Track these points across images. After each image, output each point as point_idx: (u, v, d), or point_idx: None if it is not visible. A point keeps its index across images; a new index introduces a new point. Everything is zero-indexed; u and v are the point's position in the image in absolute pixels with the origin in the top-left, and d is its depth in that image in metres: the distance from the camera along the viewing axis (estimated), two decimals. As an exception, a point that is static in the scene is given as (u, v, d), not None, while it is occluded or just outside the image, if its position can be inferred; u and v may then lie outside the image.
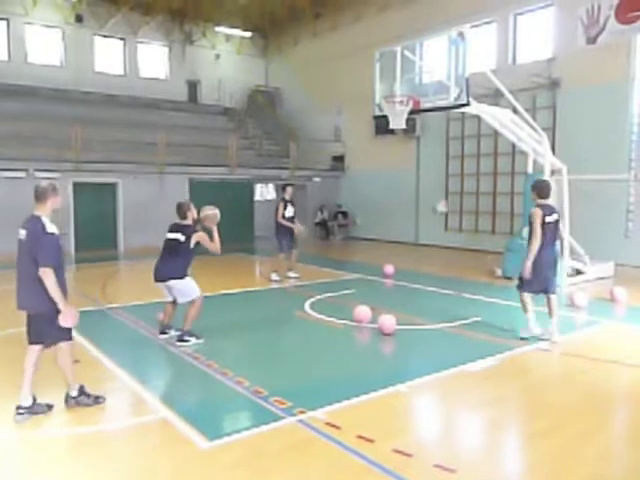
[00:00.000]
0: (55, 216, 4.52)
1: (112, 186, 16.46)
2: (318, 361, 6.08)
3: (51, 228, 4.35)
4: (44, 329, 4.43)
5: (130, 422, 4.51)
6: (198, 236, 6.58)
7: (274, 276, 10.92)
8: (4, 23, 19.73)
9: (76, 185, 15.69)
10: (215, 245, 6.65)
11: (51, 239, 4.33)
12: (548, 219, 6.53)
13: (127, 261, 14.79)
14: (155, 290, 9.91)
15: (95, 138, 16.60)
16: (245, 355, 6.41)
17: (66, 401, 4.65)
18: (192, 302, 6.61)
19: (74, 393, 4.65)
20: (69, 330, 4.53)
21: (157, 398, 4.87)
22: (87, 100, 20.22)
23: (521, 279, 6.68)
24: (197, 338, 6.57)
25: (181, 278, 6.59)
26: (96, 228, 16.12)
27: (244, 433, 4.17)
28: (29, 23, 20.19)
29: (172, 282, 6.57)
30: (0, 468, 3.78)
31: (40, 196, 4.41)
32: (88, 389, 4.72)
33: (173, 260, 6.59)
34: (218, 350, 6.36)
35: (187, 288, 6.61)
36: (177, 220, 6.76)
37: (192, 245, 6.56)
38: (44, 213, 4.40)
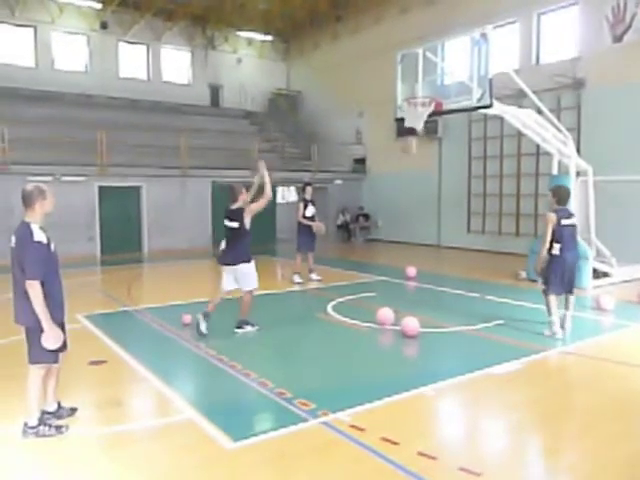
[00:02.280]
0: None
1: (136, 189, 16.70)
2: (341, 363, 6.09)
3: (39, 236, 4.02)
4: (30, 345, 4.13)
5: (156, 422, 4.58)
6: (249, 212, 7.06)
7: (296, 278, 10.96)
8: (31, 31, 20.19)
9: (101, 189, 15.99)
10: (266, 195, 7.17)
11: (39, 248, 4.00)
12: (564, 222, 6.75)
13: (151, 263, 14.99)
14: (180, 292, 10.06)
15: (120, 142, 16.88)
16: (269, 356, 6.44)
17: (23, 432, 4.15)
18: (246, 292, 7.15)
19: (33, 422, 4.18)
20: (54, 352, 4.15)
21: (183, 399, 4.93)
22: (112, 105, 20.58)
23: (546, 283, 6.89)
24: (252, 326, 7.24)
25: (249, 261, 7.09)
26: (121, 231, 16.38)
27: (268, 434, 4.20)
28: (55, 30, 20.62)
29: (242, 265, 7.03)
30: (29, 468, 3.87)
31: (27, 201, 4.06)
32: (50, 420, 4.32)
33: (240, 245, 7.07)
34: (242, 351, 6.42)
35: (252, 274, 7.14)
36: (228, 204, 7.21)
37: (248, 226, 7.06)
38: (33, 219, 4.07)
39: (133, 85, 21.96)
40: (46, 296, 4.00)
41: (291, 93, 25.16)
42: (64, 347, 4.27)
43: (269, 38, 24.41)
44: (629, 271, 11.02)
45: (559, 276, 6.77)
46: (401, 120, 10.76)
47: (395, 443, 4.01)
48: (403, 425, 4.41)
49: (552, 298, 6.87)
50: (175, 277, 12.55)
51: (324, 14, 21.70)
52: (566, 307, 7.03)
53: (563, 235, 6.73)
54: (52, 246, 4.19)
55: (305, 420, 4.42)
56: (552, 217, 6.77)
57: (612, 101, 13.20)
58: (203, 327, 6.95)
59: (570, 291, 6.93)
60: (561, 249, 6.71)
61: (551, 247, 6.77)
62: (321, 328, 7.71)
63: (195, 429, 4.32)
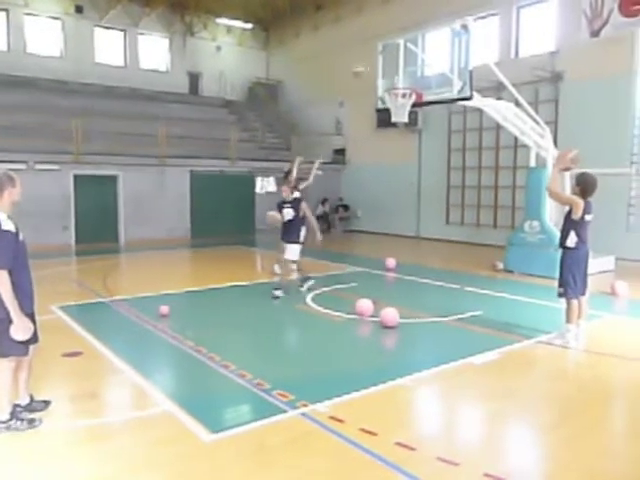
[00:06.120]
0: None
1: (113, 178, 16.41)
2: (320, 354, 6.08)
3: (7, 225, 3.91)
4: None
5: (133, 415, 4.50)
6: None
7: (276, 268, 10.89)
8: (4, 14, 19.62)
9: (76, 177, 15.67)
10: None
11: (6, 237, 3.88)
12: (587, 217, 6.16)
13: (128, 254, 14.78)
14: (157, 283, 9.94)
15: (95, 130, 16.54)
16: (247, 348, 6.40)
17: None
18: None
19: (4, 416, 4.09)
20: (24, 344, 4.04)
21: (160, 391, 4.87)
22: (87, 91, 20.14)
23: (562, 284, 6.24)
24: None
25: None
26: (97, 221, 16.09)
27: (247, 426, 4.17)
28: (29, 14, 20.08)
29: None
30: (1, 463, 3.78)
31: None
32: (22, 413, 4.19)
33: None
34: (220, 343, 6.36)
35: None
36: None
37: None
38: (1, 207, 3.95)
39: (109, 71, 21.53)
40: (14, 286, 3.89)
41: (271, 82, 24.94)
42: (35, 339, 4.17)
43: (249, 26, 24.10)
44: (603, 262, 11.22)
45: (576, 274, 6.14)
46: (382, 111, 10.75)
47: (373, 434, 4.02)
48: (382, 416, 4.42)
49: (574, 304, 6.23)
50: (152, 267, 12.40)
51: (305, 3, 21.52)
52: (579, 314, 6.35)
53: (584, 230, 6.13)
54: (20, 236, 4.06)
55: (284, 411, 4.40)
56: (581, 203, 6.06)
57: (589, 95, 13.37)
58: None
59: (583, 292, 6.31)
60: (577, 243, 6.12)
61: (567, 238, 6.19)
62: (300, 319, 7.70)
63: (173, 421, 4.26)
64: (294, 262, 9.14)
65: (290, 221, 9.06)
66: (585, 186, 6.19)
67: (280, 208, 9.23)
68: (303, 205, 9.22)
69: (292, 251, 8.98)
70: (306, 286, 9.17)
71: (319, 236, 9.03)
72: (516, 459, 3.91)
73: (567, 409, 4.64)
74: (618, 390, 5.22)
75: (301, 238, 9.13)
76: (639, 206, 12.70)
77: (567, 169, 6.66)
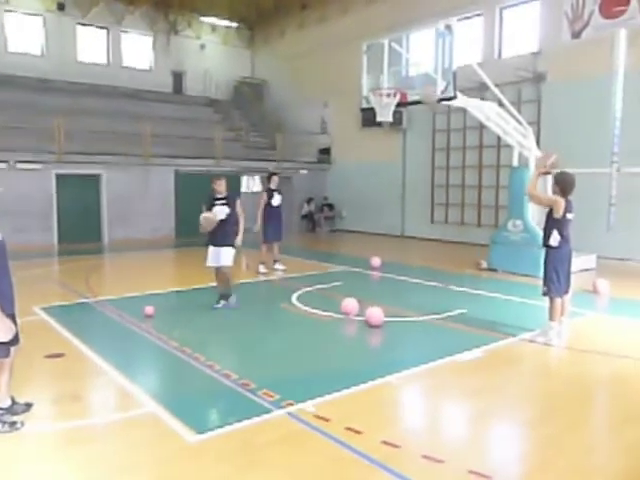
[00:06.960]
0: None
1: (96, 178, 16.24)
2: (306, 353, 6.08)
3: None
4: None
5: (116, 416, 4.46)
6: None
7: (261, 268, 10.90)
8: (-17, 11, 19.32)
9: (59, 176, 15.48)
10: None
11: None
12: (569, 216, 6.25)
13: (112, 254, 14.64)
14: (141, 283, 9.86)
15: (78, 129, 16.35)
16: (232, 348, 6.39)
17: None
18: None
19: None
20: (5, 345, 4.02)
21: (144, 392, 4.83)
22: (69, 90, 19.88)
23: (546, 282, 6.32)
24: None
25: None
26: (79, 220, 15.90)
27: (232, 426, 4.16)
28: (9, 11, 19.77)
29: None
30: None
31: None
32: (4, 416, 4.16)
33: None
34: (205, 343, 6.34)
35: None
36: None
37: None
38: None
39: (92, 70, 21.28)
40: None
41: (256, 81, 24.85)
42: (16, 340, 4.11)
43: (234, 25, 24.01)
44: (585, 261, 11.36)
45: (560, 273, 6.22)
46: (366, 110, 10.79)
47: (359, 432, 4.03)
48: (367, 414, 4.43)
49: (558, 302, 6.30)
50: (136, 268, 12.30)
51: (290, 2, 21.48)
52: (562, 312, 6.43)
53: (566, 229, 6.22)
54: (0, 236, 4.00)
55: (270, 411, 4.40)
56: (562, 202, 6.15)
57: (571, 95, 13.53)
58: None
59: (567, 290, 6.39)
60: (560, 242, 6.20)
61: (549, 237, 6.26)
62: (286, 318, 7.69)
63: (157, 423, 4.24)
64: (228, 269, 7.90)
65: (223, 221, 7.78)
66: (564, 185, 6.25)
67: (211, 205, 7.86)
68: (239, 202, 8.04)
69: (227, 256, 7.81)
70: (222, 304, 7.92)
71: (239, 240, 7.93)
72: (500, 456, 3.94)
73: (550, 406, 4.70)
74: (601, 387, 5.30)
75: (238, 241, 7.95)
76: (620, 205, 12.86)
77: (547, 173, 6.77)
